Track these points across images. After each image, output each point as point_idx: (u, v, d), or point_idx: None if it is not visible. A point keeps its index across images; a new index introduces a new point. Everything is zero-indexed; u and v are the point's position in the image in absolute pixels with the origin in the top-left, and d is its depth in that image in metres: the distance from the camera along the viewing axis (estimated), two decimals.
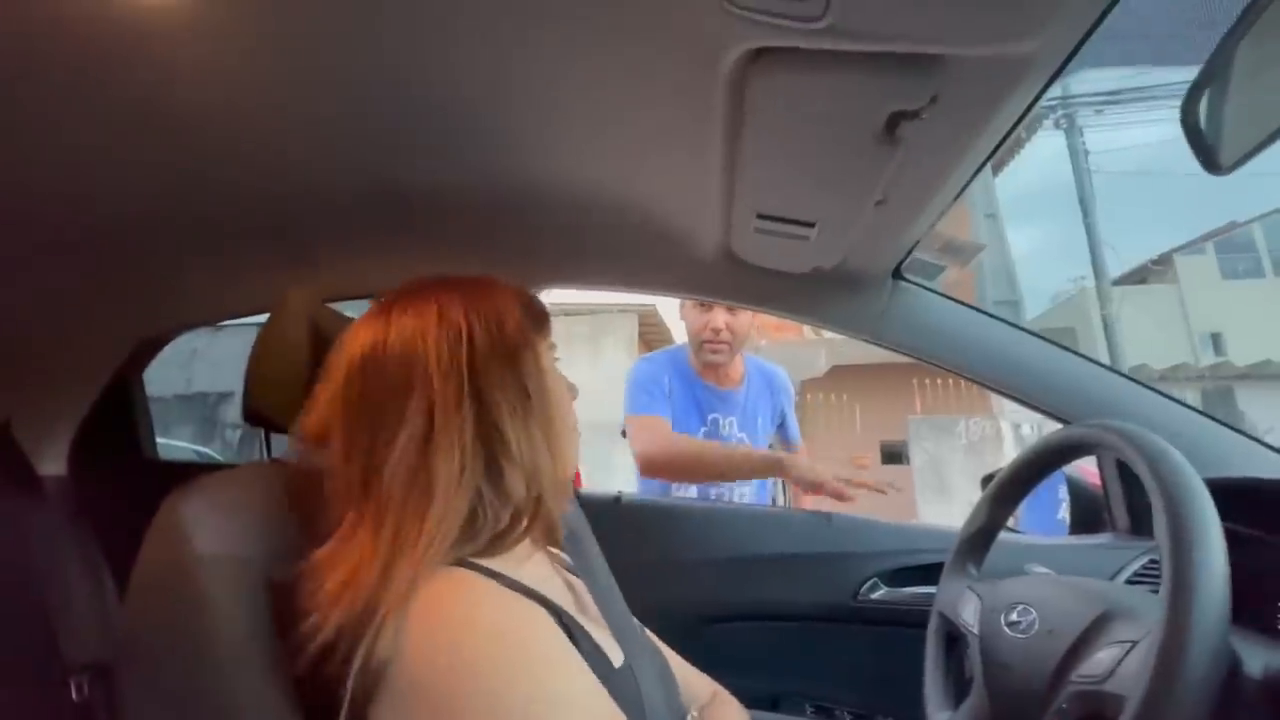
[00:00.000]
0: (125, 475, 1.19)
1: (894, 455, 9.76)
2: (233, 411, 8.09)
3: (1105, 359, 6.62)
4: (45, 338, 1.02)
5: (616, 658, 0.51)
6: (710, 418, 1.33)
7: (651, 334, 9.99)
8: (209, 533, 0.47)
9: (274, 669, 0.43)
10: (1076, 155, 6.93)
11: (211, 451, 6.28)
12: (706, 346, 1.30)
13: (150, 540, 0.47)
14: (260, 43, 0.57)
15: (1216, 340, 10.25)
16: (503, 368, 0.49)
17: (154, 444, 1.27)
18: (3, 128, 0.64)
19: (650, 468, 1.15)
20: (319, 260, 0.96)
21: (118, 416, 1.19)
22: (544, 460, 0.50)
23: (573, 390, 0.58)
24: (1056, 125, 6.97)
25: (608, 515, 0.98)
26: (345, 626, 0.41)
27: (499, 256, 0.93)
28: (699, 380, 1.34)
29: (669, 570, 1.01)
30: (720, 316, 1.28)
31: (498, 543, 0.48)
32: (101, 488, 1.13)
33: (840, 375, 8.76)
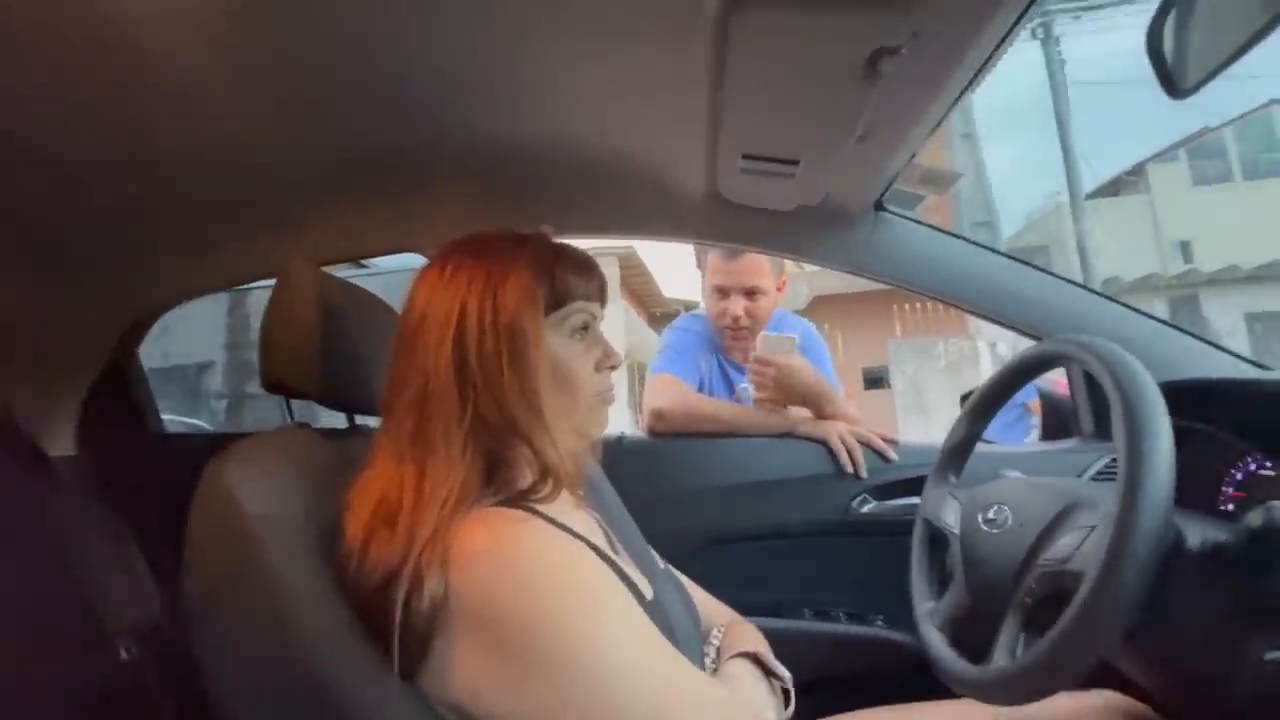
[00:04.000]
0: (135, 450, 1.22)
1: (875, 380, 10.03)
2: (214, 380, 8.00)
3: (1079, 275, 6.78)
4: (39, 323, 1.02)
5: (647, 591, 0.56)
6: (740, 388, 1.32)
7: (632, 276, 9.95)
8: (254, 495, 0.50)
9: (337, 609, 0.47)
10: (1053, 66, 6.82)
11: (200, 421, 6.25)
12: (727, 332, 1.26)
13: (199, 506, 0.51)
14: (232, 14, 0.56)
15: (1185, 248, 10.47)
16: (486, 340, 0.51)
17: (159, 418, 1.29)
18: None
19: (661, 421, 1.15)
20: (304, 226, 0.96)
21: (120, 394, 1.21)
22: (534, 430, 0.51)
23: (608, 359, 0.59)
24: (1033, 35, 6.82)
25: (612, 455, 1.03)
26: (386, 564, 0.46)
27: (486, 211, 0.94)
28: (724, 354, 1.33)
29: (673, 501, 1.08)
30: (739, 304, 1.23)
31: (532, 495, 0.52)
32: (114, 463, 1.16)
33: (822, 305, 8.86)
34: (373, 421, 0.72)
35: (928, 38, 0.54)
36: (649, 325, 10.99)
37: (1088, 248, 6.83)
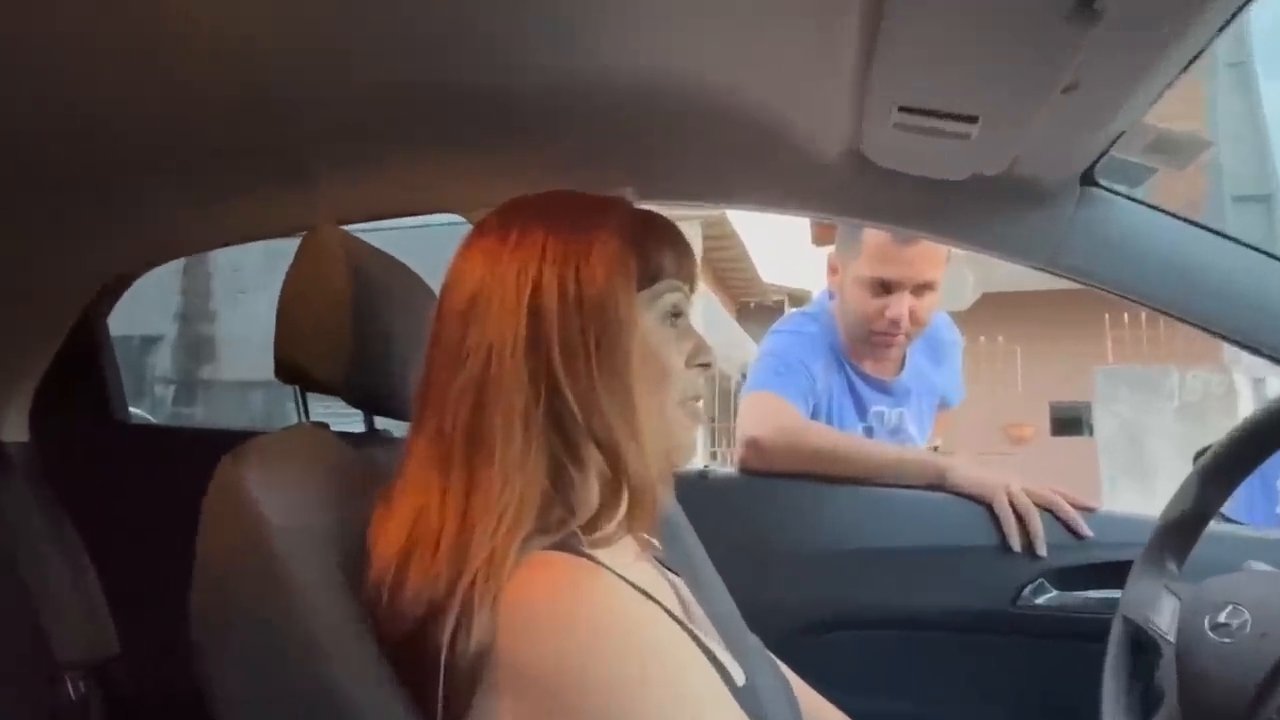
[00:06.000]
0: (94, 440, 1.38)
1: (1070, 422, 9.59)
2: (161, 361, 8.64)
3: None
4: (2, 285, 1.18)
5: (738, 675, 0.60)
6: (874, 411, 1.40)
7: (720, 252, 9.99)
8: (279, 505, 0.58)
9: (368, 643, 0.55)
10: None
11: (141, 412, 6.77)
12: (877, 338, 1.35)
13: (214, 514, 0.59)
14: None
15: None
16: (570, 320, 0.57)
17: (124, 404, 1.46)
18: None
19: (759, 455, 1.20)
20: (319, 177, 1.06)
21: (82, 373, 1.37)
22: (622, 436, 0.57)
23: (700, 354, 0.65)
24: None
25: (692, 496, 1.08)
26: (428, 596, 0.52)
27: (547, 168, 1.01)
28: (853, 365, 1.40)
29: (770, 563, 1.12)
30: (904, 303, 1.31)
31: (595, 529, 0.58)
32: (71, 454, 1.32)
33: (994, 307, 8.54)
34: (396, 427, 0.81)
35: None
36: (738, 321, 10.97)
37: None
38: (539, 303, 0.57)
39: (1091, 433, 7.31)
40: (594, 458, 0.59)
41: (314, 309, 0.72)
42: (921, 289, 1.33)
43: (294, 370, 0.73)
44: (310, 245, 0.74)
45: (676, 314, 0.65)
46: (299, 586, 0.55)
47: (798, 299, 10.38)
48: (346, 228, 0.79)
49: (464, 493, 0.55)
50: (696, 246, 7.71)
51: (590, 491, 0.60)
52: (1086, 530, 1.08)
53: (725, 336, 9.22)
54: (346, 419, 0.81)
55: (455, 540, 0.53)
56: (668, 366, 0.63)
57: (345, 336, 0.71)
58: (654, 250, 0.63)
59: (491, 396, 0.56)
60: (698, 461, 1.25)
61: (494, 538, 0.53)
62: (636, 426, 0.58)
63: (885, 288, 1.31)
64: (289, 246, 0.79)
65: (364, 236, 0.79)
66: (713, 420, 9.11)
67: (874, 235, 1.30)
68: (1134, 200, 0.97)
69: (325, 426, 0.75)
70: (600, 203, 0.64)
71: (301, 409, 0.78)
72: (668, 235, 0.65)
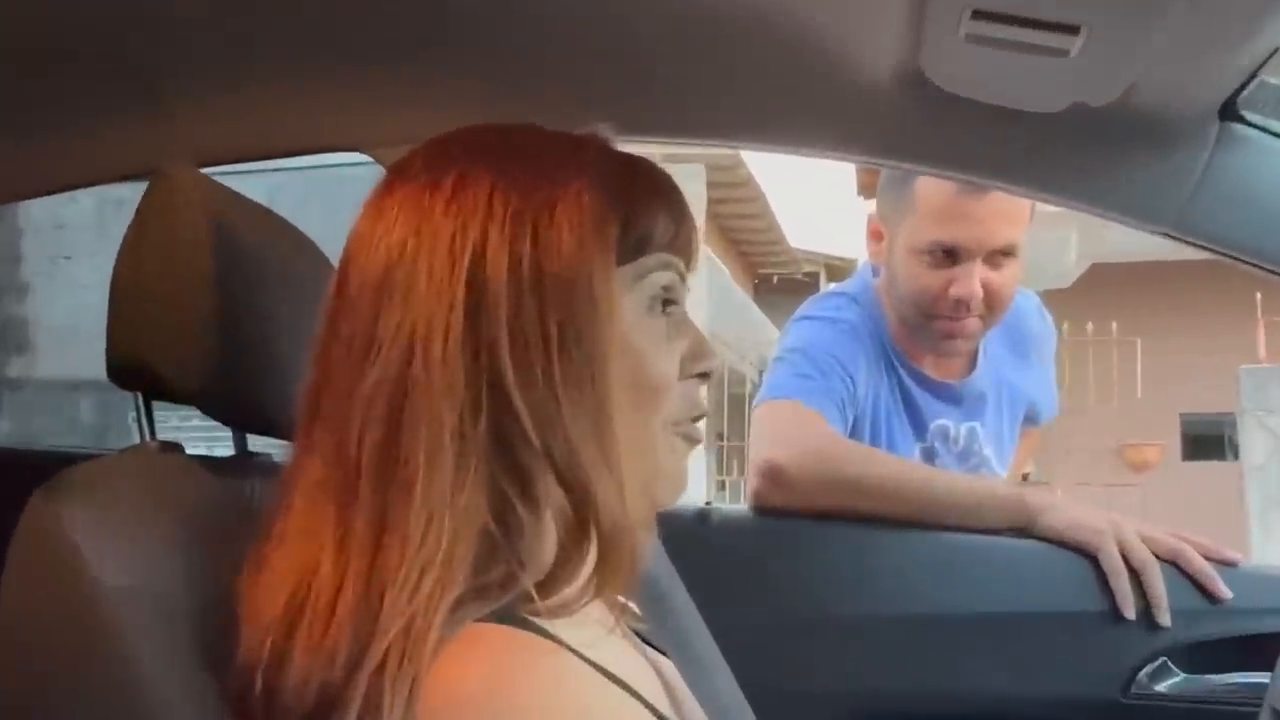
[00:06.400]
0: None
1: (1207, 441, 9.68)
2: None
3: None
4: None
5: None
6: (935, 426, 1.41)
7: (731, 204, 10.02)
8: (110, 555, 0.57)
9: None
10: None
11: None
12: (940, 325, 1.34)
13: (20, 567, 0.58)
14: None
15: None
16: (524, 303, 0.57)
17: None
18: None
19: (778, 487, 1.20)
20: (178, 102, 1.06)
21: None
22: (591, 463, 0.56)
23: (699, 359, 0.65)
24: None
25: (686, 544, 1.07)
26: (318, 682, 0.51)
27: (514, 94, 1.01)
28: (907, 363, 1.40)
29: (790, 634, 1.12)
30: (976, 274, 1.31)
31: (551, 590, 0.57)
32: None
33: (1104, 283, 8.61)
34: (278, 448, 0.80)
35: None
36: (756, 300, 11.01)
37: None
38: (482, 277, 0.56)
39: (1236, 454, 7.36)
40: (552, 493, 0.58)
41: (162, 283, 0.71)
42: (997, 256, 1.32)
43: (134, 368, 0.71)
44: (158, 195, 0.73)
45: (669, 300, 0.64)
46: (138, 668, 0.55)
47: (837, 272, 10.41)
48: (209, 170, 0.78)
49: (371, 538, 0.54)
50: (699, 199, 7.70)
51: (545, 539, 0.60)
52: (1225, 591, 1.07)
53: (738, 322, 9.26)
54: (209, 436, 0.80)
55: (358, 605, 0.52)
56: (656, 369, 0.63)
57: (206, 322, 0.70)
58: (641, 210, 0.62)
59: (413, 405, 0.55)
60: (695, 496, 1.24)
61: (412, 602, 0.52)
62: (611, 450, 0.58)
63: (949, 256, 1.32)
64: (131, 196, 0.77)
65: (233, 183, 0.78)
66: (720, 438, 9.14)
67: (931, 186, 1.30)
68: None
69: (178, 448, 0.74)
70: (568, 142, 0.64)
71: (145, 423, 0.77)
72: (660, 190, 0.65)
